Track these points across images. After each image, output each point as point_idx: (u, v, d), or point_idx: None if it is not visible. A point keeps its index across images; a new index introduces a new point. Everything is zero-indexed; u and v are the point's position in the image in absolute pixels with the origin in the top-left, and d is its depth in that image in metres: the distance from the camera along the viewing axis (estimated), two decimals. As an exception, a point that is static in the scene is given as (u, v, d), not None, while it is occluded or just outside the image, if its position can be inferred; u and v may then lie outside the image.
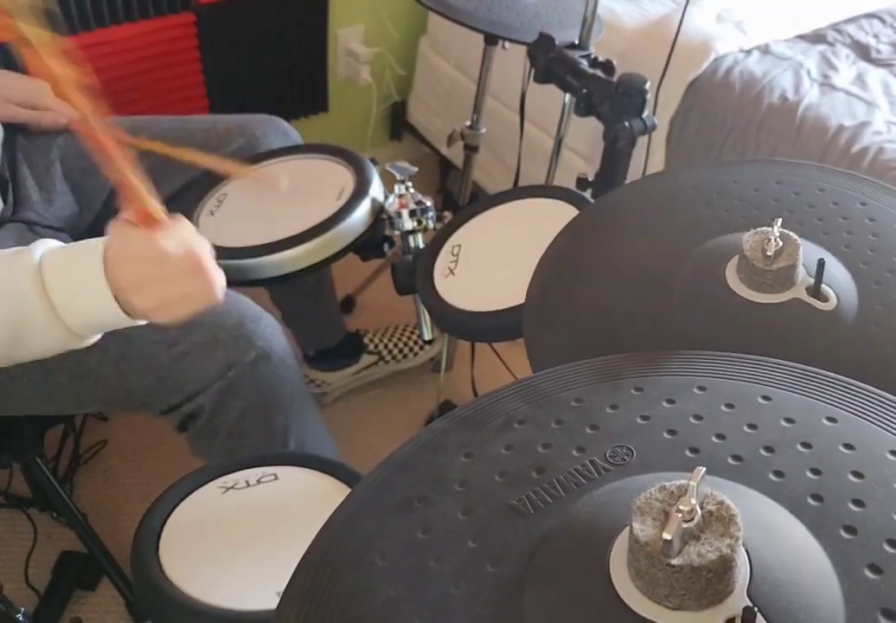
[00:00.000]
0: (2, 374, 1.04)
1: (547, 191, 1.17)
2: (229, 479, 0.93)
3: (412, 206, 1.21)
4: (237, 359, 1.08)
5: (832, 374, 0.54)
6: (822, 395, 0.53)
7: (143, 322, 0.84)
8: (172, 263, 0.79)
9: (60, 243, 0.85)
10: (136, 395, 1.10)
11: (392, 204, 1.21)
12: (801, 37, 1.77)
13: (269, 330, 1.13)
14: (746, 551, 0.42)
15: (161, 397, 1.10)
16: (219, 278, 0.83)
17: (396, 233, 1.23)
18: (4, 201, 1.16)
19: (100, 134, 0.75)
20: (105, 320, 0.82)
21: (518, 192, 1.21)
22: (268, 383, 1.13)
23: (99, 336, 0.86)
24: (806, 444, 0.49)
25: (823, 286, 0.63)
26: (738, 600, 0.40)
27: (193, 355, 1.07)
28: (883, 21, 1.83)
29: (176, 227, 0.81)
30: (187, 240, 0.81)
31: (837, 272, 0.66)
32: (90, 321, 0.82)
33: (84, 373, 1.06)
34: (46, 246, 0.83)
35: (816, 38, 1.77)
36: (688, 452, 0.50)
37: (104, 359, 1.05)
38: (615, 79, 1.13)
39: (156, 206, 0.80)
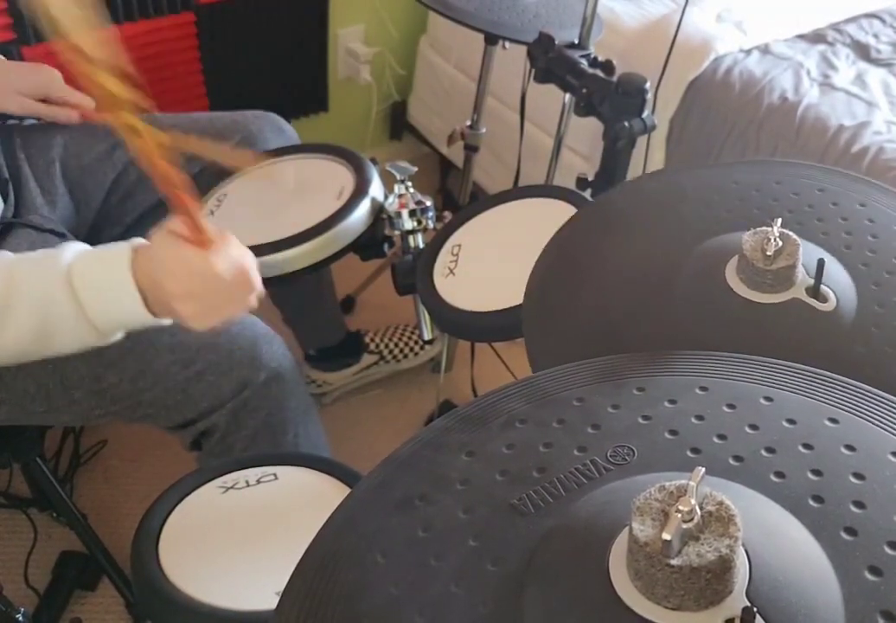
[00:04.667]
0: (19, 390, 1.05)
1: (547, 191, 1.17)
2: (229, 478, 0.93)
3: (412, 205, 1.21)
4: (250, 379, 1.10)
5: (834, 375, 0.54)
6: (824, 396, 0.53)
7: (167, 322, 0.87)
8: (224, 281, 0.83)
9: (86, 246, 0.88)
10: (150, 409, 1.10)
11: (392, 204, 1.21)
12: (801, 37, 1.77)
13: (281, 351, 1.14)
14: (746, 552, 0.42)
15: (175, 412, 1.11)
16: (259, 287, 0.87)
17: (396, 233, 1.22)
18: (5, 201, 1.16)
19: (153, 151, 0.77)
20: (131, 320, 0.86)
21: (518, 192, 1.21)
22: (279, 402, 1.14)
23: (123, 333, 0.90)
24: (807, 446, 0.49)
25: (823, 287, 0.63)
26: (738, 601, 0.40)
27: (209, 375, 1.08)
28: (883, 21, 1.83)
29: (225, 244, 0.85)
30: (237, 259, 0.85)
31: (837, 273, 0.66)
32: (117, 320, 0.86)
33: (100, 389, 1.07)
34: (74, 248, 0.86)
35: (816, 37, 1.77)
36: (689, 453, 0.50)
37: (122, 376, 1.06)
38: (615, 79, 1.13)
39: (207, 225, 0.84)
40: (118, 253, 0.84)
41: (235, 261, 0.84)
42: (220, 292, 0.84)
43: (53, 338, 0.85)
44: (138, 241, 0.86)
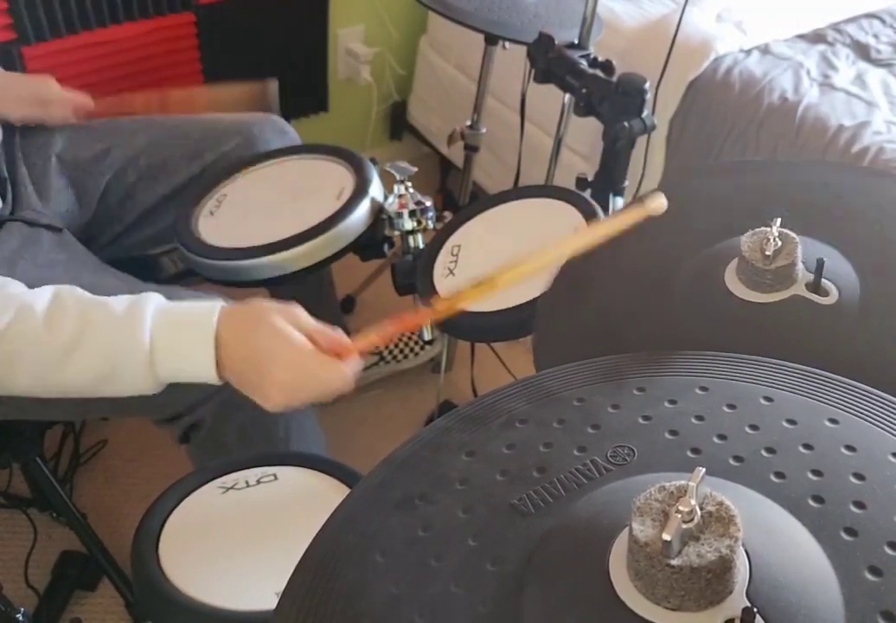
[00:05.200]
0: None
1: (547, 191, 1.17)
2: (229, 479, 0.93)
3: (412, 206, 1.21)
4: None
5: (834, 376, 0.54)
6: (824, 396, 0.52)
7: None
8: (328, 387, 0.83)
9: (165, 302, 0.87)
10: (139, 403, 1.10)
11: (392, 204, 1.21)
12: (801, 37, 1.77)
13: None
14: (746, 552, 0.42)
15: (163, 406, 1.11)
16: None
17: (396, 233, 1.22)
18: (3, 200, 1.16)
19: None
20: (194, 380, 0.86)
21: (518, 192, 1.21)
22: None
23: None
24: (807, 446, 0.49)
25: (823, 281, 0.63)
26: (738, 601, 0.40)
27: None
28: (883, 21, 1.83)
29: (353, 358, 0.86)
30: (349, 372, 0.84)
31: (839, 266, 0.66)
32: (180, 380, 0.86)
33: None
34: (155, 304, 0.85)
35: (816, 38, 1.77)
36: (689, 453, 0.50)
37: None
38: (615, 79, 1.13)
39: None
40: (203, 320, 0.84)
41: (349, 375, 0.84)
42: (317, 392, 0.84)
43: (112, 386, 0.86)
44: (222, 303, 0.86)
